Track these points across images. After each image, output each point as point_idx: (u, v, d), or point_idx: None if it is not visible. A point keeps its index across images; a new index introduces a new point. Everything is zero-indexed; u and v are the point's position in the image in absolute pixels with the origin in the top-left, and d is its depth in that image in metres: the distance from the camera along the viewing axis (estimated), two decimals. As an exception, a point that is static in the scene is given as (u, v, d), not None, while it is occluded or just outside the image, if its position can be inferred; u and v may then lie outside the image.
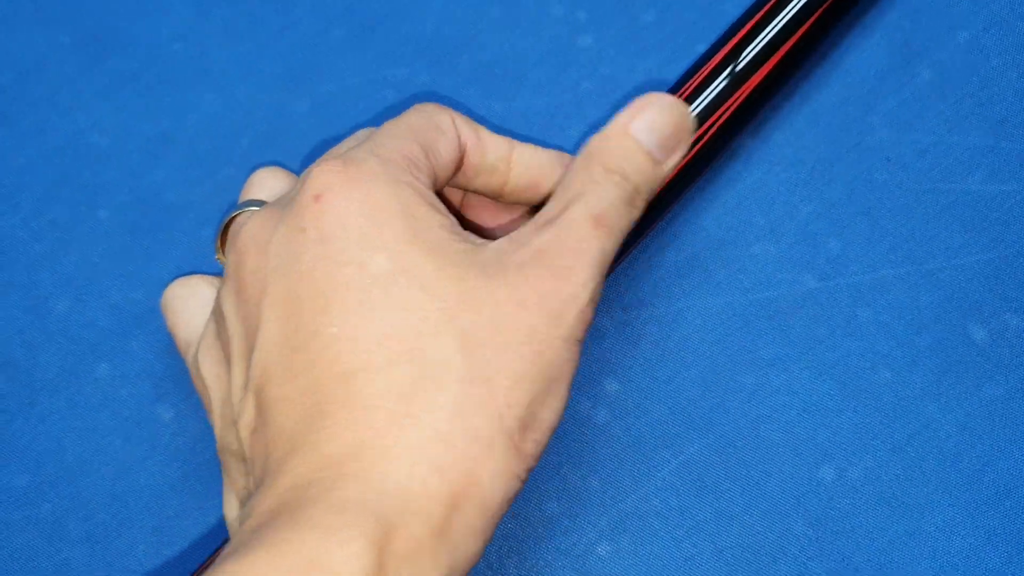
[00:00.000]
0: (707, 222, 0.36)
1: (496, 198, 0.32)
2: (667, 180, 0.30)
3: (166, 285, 0.37)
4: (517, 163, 0.31)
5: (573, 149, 0.37)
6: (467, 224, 0.33)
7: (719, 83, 0.34)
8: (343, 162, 0.27)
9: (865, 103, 0.37)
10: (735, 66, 0.33)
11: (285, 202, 0.28)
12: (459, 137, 0.30)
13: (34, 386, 0.35)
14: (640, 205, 0.29)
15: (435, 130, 0.29)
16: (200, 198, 0.38)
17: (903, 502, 0.33)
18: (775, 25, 0.34)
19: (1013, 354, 0.34)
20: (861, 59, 0.37)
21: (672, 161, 0.29)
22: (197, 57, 0.40)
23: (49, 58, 0.40)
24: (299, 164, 0.38)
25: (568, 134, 0.38)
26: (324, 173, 0.27)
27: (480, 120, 0.38)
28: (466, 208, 0.33)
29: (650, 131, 0.29)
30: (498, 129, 0.38)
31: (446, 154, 0.29)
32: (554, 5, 0.39)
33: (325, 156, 0.30)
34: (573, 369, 0.26)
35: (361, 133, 0.32)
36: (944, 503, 0.33)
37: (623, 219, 0.28)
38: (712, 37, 0.38)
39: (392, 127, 0.29)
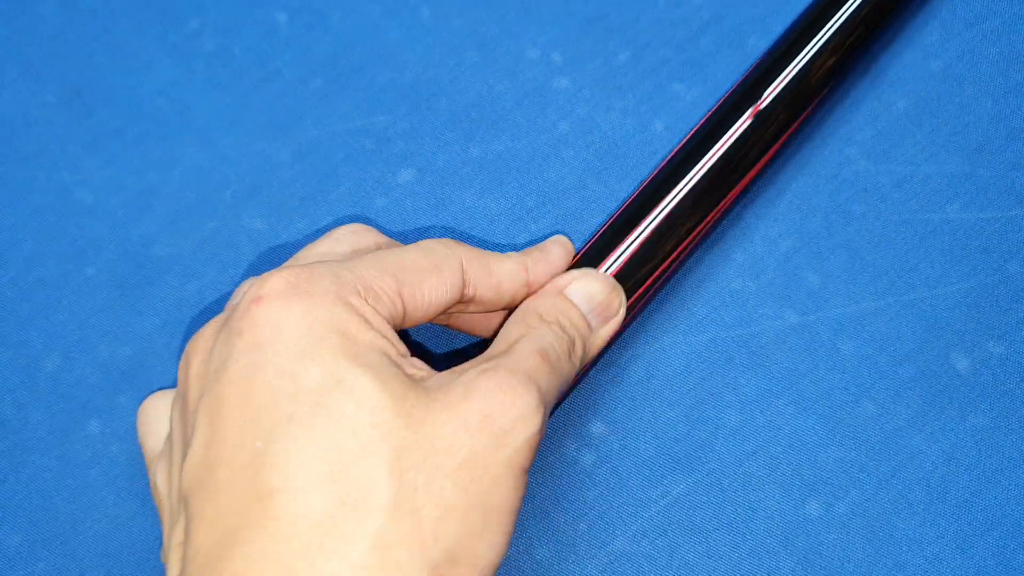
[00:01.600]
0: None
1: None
2: (600, 351, 0.30)
3: (154, 339, 0.37)
4: (534, 282, 0.30)
5: (552, 192, 0.37)
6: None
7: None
8: (295, 271, 0.26)
9: (841, 134, 0.36)
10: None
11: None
12: (463, 278, 0.28)
13: (25, 445, 0.35)
14: (576, 361, 0.28)
15: (429, 269, 0.28)
16: (187, 251, 0.37)
17: (891, 536, 0.32)
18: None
19: (996, 382, 0.33)
20: (835, 92, 0.37)
21: (605, 330, 0.30)
22: (180, 110, 0.39)
23: (35, 116, 0.40)
24: (283, 214, 0.37)
25: (546, 176, 0.37)
26: (272, 278, 0.26)
27: (460, 164, 0.38)
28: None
29: (585, 297, 0.29)
30: (478, 172, 0.37)
31: (432, 293, 0.28)
32: (529, 48, 0.39)
33: (293, 259, 0.29)
34: (517, 500, 0.24)
35: (344, 231, 0.30)
36: (932, 535, 0.32)
37: (564, 364, 0.27)
38: (686, 75, 0.38)
39: (382, 257, 0.27)
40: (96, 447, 0.35)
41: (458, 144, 0.38)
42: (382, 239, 0.30)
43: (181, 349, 0.36)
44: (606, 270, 0.31)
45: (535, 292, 0.30)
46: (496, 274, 0.29)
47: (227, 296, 0.37)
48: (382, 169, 0.38)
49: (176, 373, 0.36)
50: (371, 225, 0.37)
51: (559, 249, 0.31)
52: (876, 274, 0.35)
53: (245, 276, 0.37)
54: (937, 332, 0.34)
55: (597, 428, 0.34)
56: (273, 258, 0.37)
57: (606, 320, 0.30)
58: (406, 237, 0.37)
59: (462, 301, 0.29)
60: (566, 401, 0.34)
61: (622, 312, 0.30)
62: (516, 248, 0.36)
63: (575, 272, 0.30)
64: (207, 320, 0.36)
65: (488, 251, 0.30)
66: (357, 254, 0.29)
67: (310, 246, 0.30)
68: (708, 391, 0.34)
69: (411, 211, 0.37)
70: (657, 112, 0.38)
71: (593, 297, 0.29)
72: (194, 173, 0.38)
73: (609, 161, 0.37)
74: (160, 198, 0.38)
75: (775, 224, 0.36)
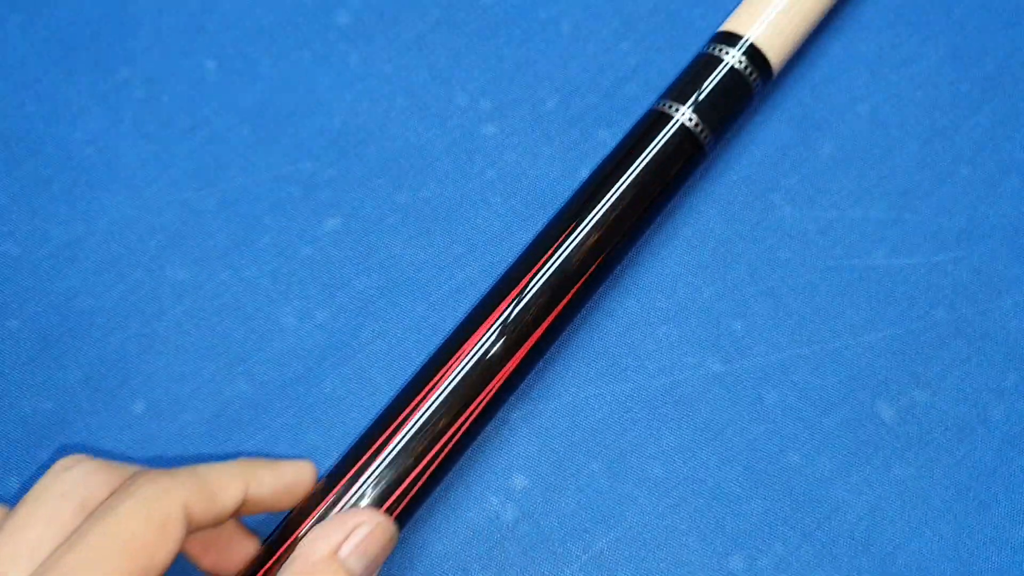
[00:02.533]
0: (611, 306, 0.35)
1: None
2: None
3: (76, 394, 0.36)
4: (254, 496, 0.27)
5: (479, 240, 0.36)
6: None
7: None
8: None
9: (766, 180, 0.36)
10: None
11: None
12: (184, 520, 0.24)
13: (-60, 504, 0.34)
14: None
15: (155, 538, 0.24)
16: (110, 303, 0.37)
17: (815, 590, 0.31)
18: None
19: (922, 431, 0.33)
20: (761, 134, 0.36)
21: None
22: (108, 160, 0.39)
23: (-37, 167, 0.39)
24: (207, 265, 0.37)
25: (474, 223, 0.37)
26: None
27: (387, 211, 0.37)
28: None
29: (360, 556, 0.26)
30: (405, 220, 0.37)
31: (169, 554, 0.24)
32: (458, 94, 0.38)
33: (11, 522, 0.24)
34: None
35: (67, 483, 0.25)
36: (857, 589, 0.31)
37: None
38: (614, 120, 0.37)
39: (108, 551, 0.23)
40: (14, 504, 0.34)
41: (385, 191, 0.37)
42: (101, 475, 0.26)
43: (104, 404, 0.35)
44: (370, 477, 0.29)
45: (251, 504, 0.27)
46: (216, 496, 0.25)
47: (150, 350, 0.36)
48: (308, 217, 0.37)
49: (97, 429, 0.35)
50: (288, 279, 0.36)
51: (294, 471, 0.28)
52: (801, 321, 0.34)
53: (168, 328, 0.36)
54: (862, 380, 0.33)
55: (520, 482, 0.33)
56: (195, 311, 0.36)
57: (373, 573, 0.26)
58: (332, 290, 0.36)
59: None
60: (489, 453, 0.33)
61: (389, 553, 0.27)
62: (443, 296, 0.36)
63: (350, 519, 0.26)
64: (128, 376, 0.35)
65: (203, 469, 0.26)
66: (84, 510, 0.25)
67: (27, 510, 0.25)
68: (631, 442, 0.33)
69: (337, 260, 0.37)
70: (583, 159, 0.37)
71: (368, 552, 0.26)
72: (120, 223, 0.38)
73: (536, 208, 0.37)
74: (86, 249, 0.38)
75: (699, 271, 0.35)
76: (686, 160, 0.32)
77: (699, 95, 0.32)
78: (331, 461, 0.34)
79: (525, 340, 0.30)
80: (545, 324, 0.30)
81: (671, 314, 0.34)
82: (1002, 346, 0.33)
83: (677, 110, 0.32)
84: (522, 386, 0.34)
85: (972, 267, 0.34)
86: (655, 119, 0.33)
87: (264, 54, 0.40)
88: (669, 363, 0.34)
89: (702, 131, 0.32)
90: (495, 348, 0.30)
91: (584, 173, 0.37)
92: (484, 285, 0.36)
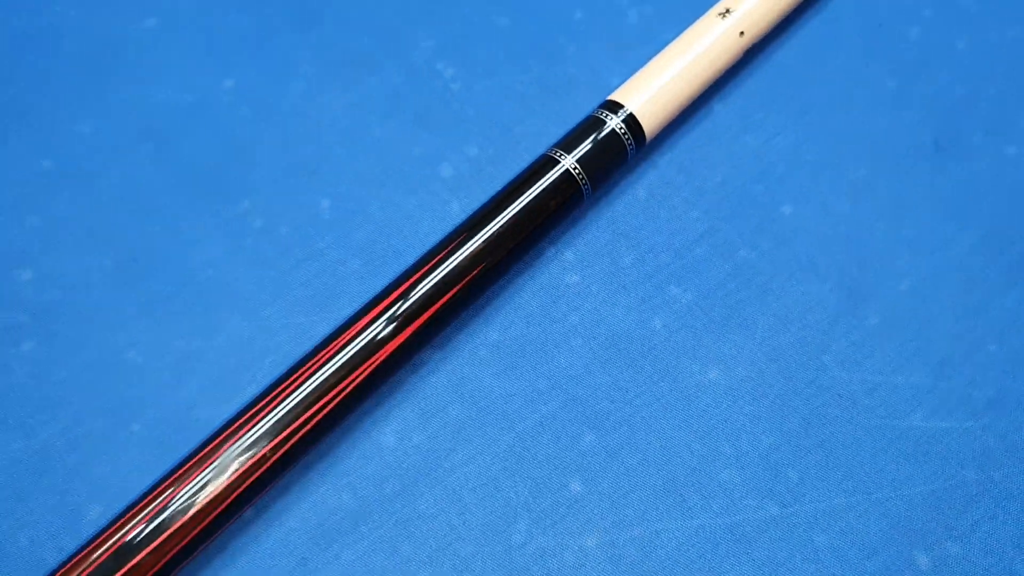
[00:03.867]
0: (680, 449, 0.39)
1: None
2: None
3: (191, 496, 0.39)
4: None
5: (561, 377, 0.40)
6: None
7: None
8: None
9: (819, 344, 0.40)
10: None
11: None
12: None
13: (66, 593, 0.37)
14: None
15: None
16: (226, 415, 0.40)
17: None
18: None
19: (954, 580, 0.37)
20: (815, 304, 0.41)
21: None
22: (227, 282, 0.43)
23: (93, 278, 0.43)
24: (315, 384, 0.41)
25: (557, 362, 0.41)
26: None
27: (479, 346, 0.41)
28: None
29: None
30: (495, 354, 0.41)
31: None
32: (547, 246, 0.43)
33: None
34: None
35: None
36: None
37: None
38: (682, 279, 0.42)
39: None
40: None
41: (479, 328, 0.41)
42: None
43: (215, 506, 0.39)
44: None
45: None
46: None
47: (261, 459, 0.39)
48: (408, 348, 0.41)
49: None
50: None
51: None
52: (848, 473, 0.38)
53: (278, 441, 0.40)
54: (902, 529, 0.37)
55: (595, 603, 0.37)
56: (307, 427, 0.40)
57: None
58: (428, 415, 0.40)
59: None
60: (568, 577, 0.37)
61: None
62: (527, 427, 0.40)
63: None
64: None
65: None
66: None
67: None
68: (697, 575, 0.37)
69: (432, 387, 0.40)
70: (656, 311, 0.41)
71: None
72: (236, 341, 0.42)
73: (613, 353, 0.41)
74: (203, 363, 0.41)
75: (759, 421, 0.39)
76: (566, 198, 0.41)
77: (583, 148, 0.41)
78: (425, 572, 0.37)
79: (407, 328, 0.38)
80: (428, 314, 0.38)
81: (734, 459, 0.38)
82: (1025, 507, 0.37)
83: (563, 157, 0.41)
84: (596, 515, 0.38)
85: (998, 434, 0.39)
86: (544, 162, 0.41)
87: (374, 197, 0.44)
88: (732, 504, 0.38)
89: (580, 175, 0.41)
90: (385, 331, 0.38)
91: (657, 324, 0.41)
92: (567, 420, 0.40)
